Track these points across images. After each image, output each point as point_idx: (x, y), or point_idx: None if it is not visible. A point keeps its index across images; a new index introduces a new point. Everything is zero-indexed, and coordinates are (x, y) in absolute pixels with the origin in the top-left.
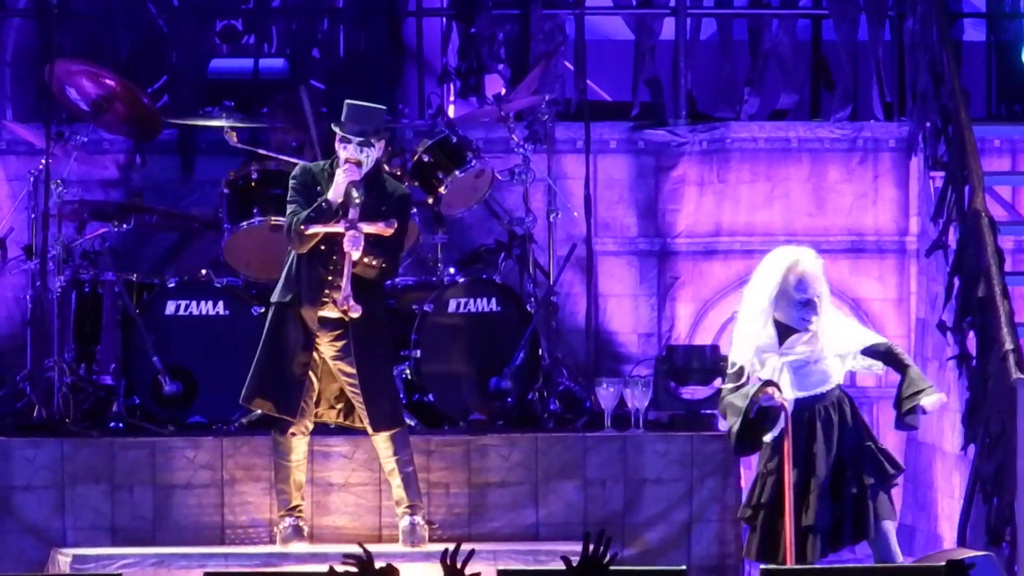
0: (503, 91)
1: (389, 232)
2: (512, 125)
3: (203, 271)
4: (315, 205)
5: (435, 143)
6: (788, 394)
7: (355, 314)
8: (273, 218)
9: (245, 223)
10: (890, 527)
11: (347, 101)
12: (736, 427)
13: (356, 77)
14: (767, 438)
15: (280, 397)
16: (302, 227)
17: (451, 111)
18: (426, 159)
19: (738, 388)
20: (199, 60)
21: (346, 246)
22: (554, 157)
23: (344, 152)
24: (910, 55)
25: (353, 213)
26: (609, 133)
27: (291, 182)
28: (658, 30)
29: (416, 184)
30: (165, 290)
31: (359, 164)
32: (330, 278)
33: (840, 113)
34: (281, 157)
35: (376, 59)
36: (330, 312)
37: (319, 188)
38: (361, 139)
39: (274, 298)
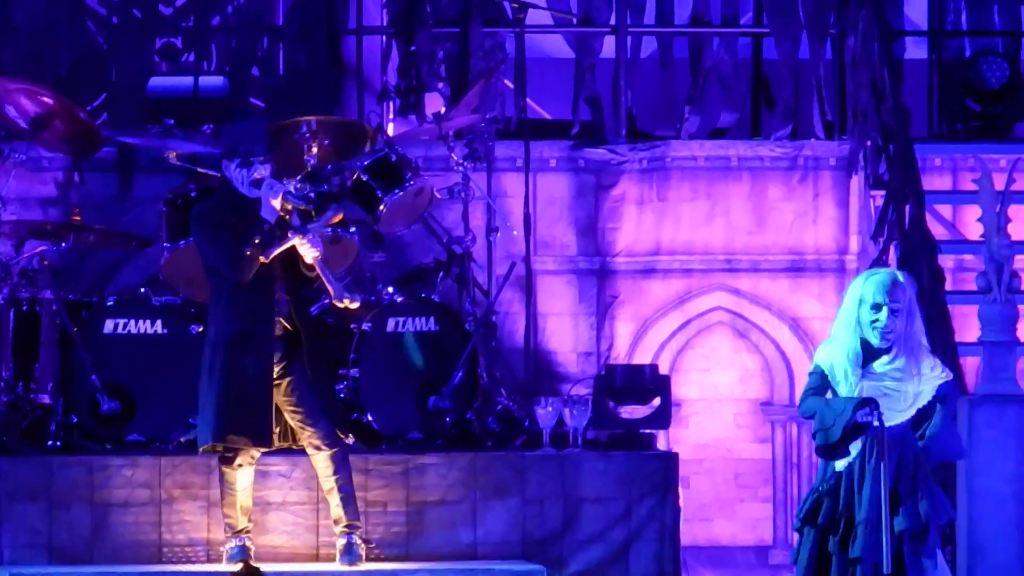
0: (443, 109)
1: (339, 217)
2: (452, 143)
3: (142, 289)
4: (259, 231)
5: (374, 161)
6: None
7: (356, 304)
8: None
9: (183, 241)
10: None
11: (228, 126)
12: (832, 438)
13: (296, 95)
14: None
15: (253, 429)
16: (247, 252)
17: (391, 129)
18: (365, 177)
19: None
20: (139, 78)
21: (308, 253)
22: (494, 175)
23: (247, 175)
24: (851, 73)
25: (295, 220)
26: (549, 151)
27: (201, 228)
28: (598, 48)
29: (355, 202)
30: (104, 308)
31: (261, 181)
32: (276, 296)
33: (781, 131)
34: (219, 175)
35: (316, 77)
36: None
37: (230, 221)
38: (264, 159)
39: (219, 334)
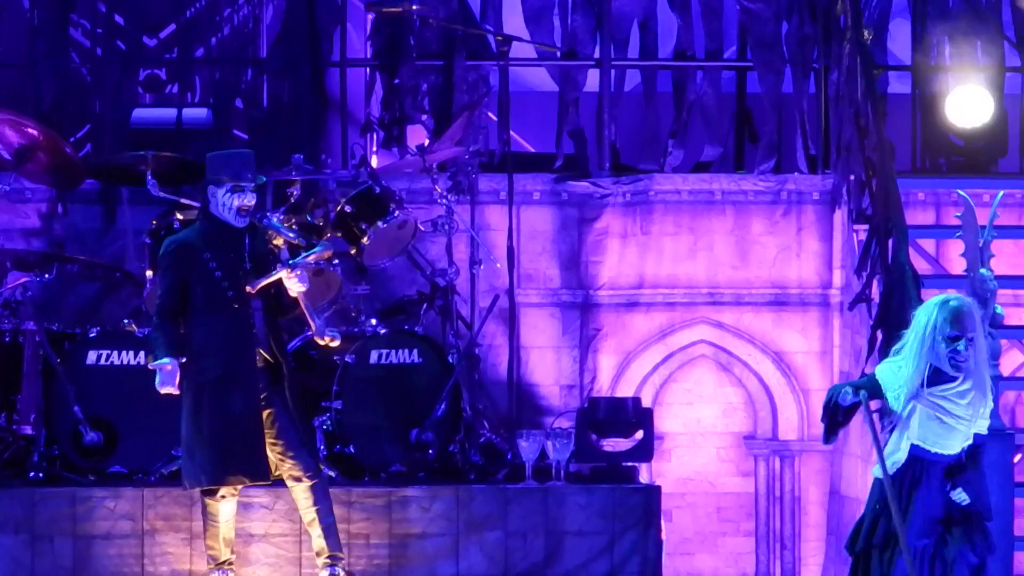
0: (426, 142)
1: (329, 254)
2: (435, 176)
3: (125, 321)
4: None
5: (358, 194)
6: (913, 437)
7: (336, 342)
8: None
9: None
10: None
11: (216, 153)
12: (824, 421)
13: (279, 127)
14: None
15: (250, 467)
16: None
17: (374, 162)
18: (349, 210)
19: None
20: (122, 109)
21: (294, 288)
22: (477, 208)
23: (237, 200)
24: (834, 107)
25: (284, 255)
26: (532, 184)
27: (165, 260)
28: (582, 82)
29: (339, 235)
30: (86, 340)
31: (249, 210)
32: (254, 331)
33: (764, 165)
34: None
35: (299, 109)
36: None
37: (206, 255)
38: (253, 184)
39: (200, 375)
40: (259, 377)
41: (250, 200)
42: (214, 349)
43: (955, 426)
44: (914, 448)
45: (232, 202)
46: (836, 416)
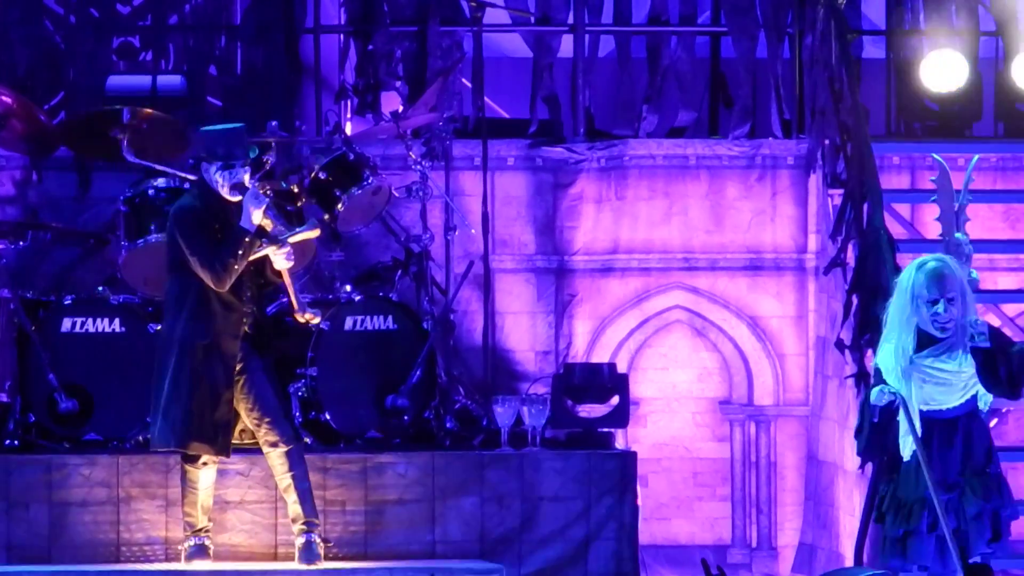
0: (400, 108)
1: (317, 232)
2: (410, 142)
3: (100, 288)
4: (235, 240)
5: (332, 160)
6: (913, 408)
7: (316, 319)
8: None
9: (142, 240)
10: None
11: (208, 129)
12: (861, 432)
13: (253, 94)
14: (906, 453)
15: (216, 439)
16: (232, 263)
17: (348, 128)
18: (323, 176)
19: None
20: (96, 77)
21: (280, 263)
22: (452, 174)
23: (229, 179)
24: (809, 72)
25: (274, 230)
26: (507, 150)
27: (184, 227)
28: (556, 47)
29: (313, 201)
30: (61, 307)
31: (243, 187)
32: (246, 308)
33: (738, 130)
34: (178, 174)
35: (273, 76)
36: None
37: (216, 224)
38: (244, 162)
39: (188, 338)
40: (240, 345)
41: (241, 176)
42: (207, 315)
43: (952, 381)
44: (921, 412)
45: (225, 180)
46: (871, 420)
